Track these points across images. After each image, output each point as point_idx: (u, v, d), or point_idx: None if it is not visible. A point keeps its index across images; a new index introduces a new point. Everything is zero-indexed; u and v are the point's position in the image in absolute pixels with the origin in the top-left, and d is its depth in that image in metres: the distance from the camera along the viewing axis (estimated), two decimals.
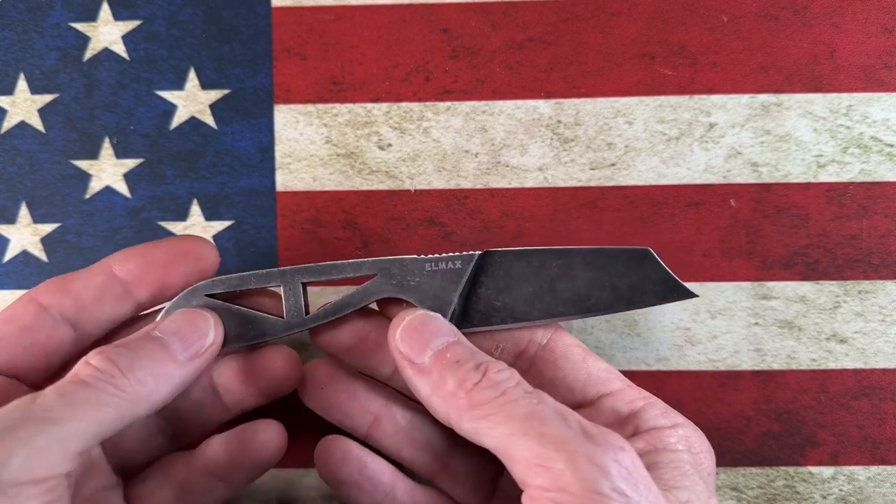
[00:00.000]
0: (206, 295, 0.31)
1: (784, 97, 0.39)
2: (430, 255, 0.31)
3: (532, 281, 0.30)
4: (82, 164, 0.40)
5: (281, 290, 0.31)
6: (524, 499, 0.23)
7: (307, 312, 0.31)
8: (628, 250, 0.31)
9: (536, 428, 0.23)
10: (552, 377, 0.30)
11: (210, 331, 0.28)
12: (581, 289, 0.30)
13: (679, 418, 0.28)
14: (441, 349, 0.26)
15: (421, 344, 0.27)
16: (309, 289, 0.33)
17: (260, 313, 0.31)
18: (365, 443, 0.33)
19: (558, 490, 0.21)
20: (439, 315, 0.28)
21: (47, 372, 0.29)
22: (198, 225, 0.40)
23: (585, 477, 0.21)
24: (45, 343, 0.28)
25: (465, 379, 0.25)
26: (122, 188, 0.40)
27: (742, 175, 0.39)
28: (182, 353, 0.27)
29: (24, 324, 0.29)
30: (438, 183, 0.40)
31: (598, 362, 0.31)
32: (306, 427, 0.35)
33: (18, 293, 0.40)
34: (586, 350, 0.31)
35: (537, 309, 0.30)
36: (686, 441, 0.27)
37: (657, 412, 0.28)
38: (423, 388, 0.26)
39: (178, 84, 0.40)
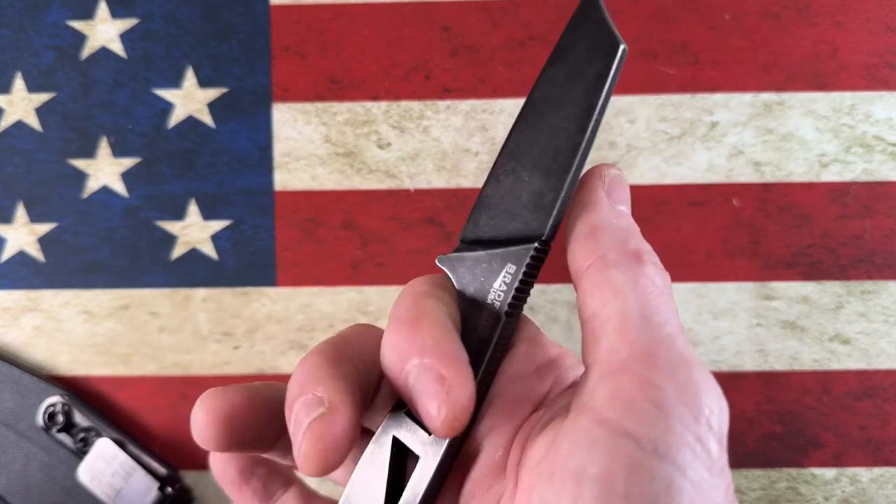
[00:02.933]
0: None
1: (786, 96, 0.39)
2: None
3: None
4: (79, 164, 0.40)
5: None
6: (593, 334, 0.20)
7: None
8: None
9: (677, 322, 0.20)
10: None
11: None
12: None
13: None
14: (630, 213, 0.23)
15: (624, 194, 0.23)
16: None
17: None
18: None
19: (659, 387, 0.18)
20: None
21: None
22: (196, 225, 0.40)
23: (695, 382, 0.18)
24: None
25: (649, 251, 0.21)
26: (119, 188, 0.40)
27: (744, 174, 0.39)
28: None
29: None
30: (438, 182, 0.39)
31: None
32: None
33: (15, 293, 0.40)
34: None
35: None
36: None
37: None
38: (606, 218, 0.22)
39: (176, 83, 0.40)
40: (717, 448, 0.18)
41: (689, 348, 0.20)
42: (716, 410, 0.19)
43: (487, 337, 0.21)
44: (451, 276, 0.22)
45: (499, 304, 0.21)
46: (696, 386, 0.19)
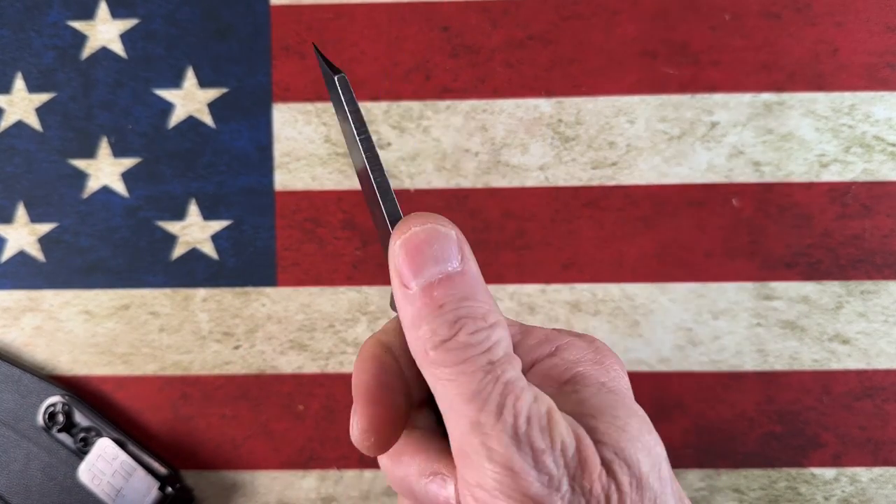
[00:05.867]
0: None
1: (786, 96, 0.39)
2: None
3: None
4: (80, 164, 0.40)
5: None
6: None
7: None
8: None
9: (473, 413, 0.20)
10: None
11: None
12: None
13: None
14: (432, 282, 0.22)
15: (416, 266, 0.23)
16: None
17: None
18: None
19: (477, 485, 0.20)
20: (453, 233, 0.23)
21: None
22: (196, 224, 0.40)
23: (499, 478, 0.19)
24: None
25: (435, 332, 0.22)
26: (119, 188, 0.40)
27: (744, 174, 0.39)
28: None
29: None
30: (438, 182, 0.39)
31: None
32: (304, 429, 0.35)
33: (16, 293, 0.40)
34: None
35: None
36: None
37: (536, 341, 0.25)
38: (403, 314, 0.23)
39: (176, 83, 0.40)
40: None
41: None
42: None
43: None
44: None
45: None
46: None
